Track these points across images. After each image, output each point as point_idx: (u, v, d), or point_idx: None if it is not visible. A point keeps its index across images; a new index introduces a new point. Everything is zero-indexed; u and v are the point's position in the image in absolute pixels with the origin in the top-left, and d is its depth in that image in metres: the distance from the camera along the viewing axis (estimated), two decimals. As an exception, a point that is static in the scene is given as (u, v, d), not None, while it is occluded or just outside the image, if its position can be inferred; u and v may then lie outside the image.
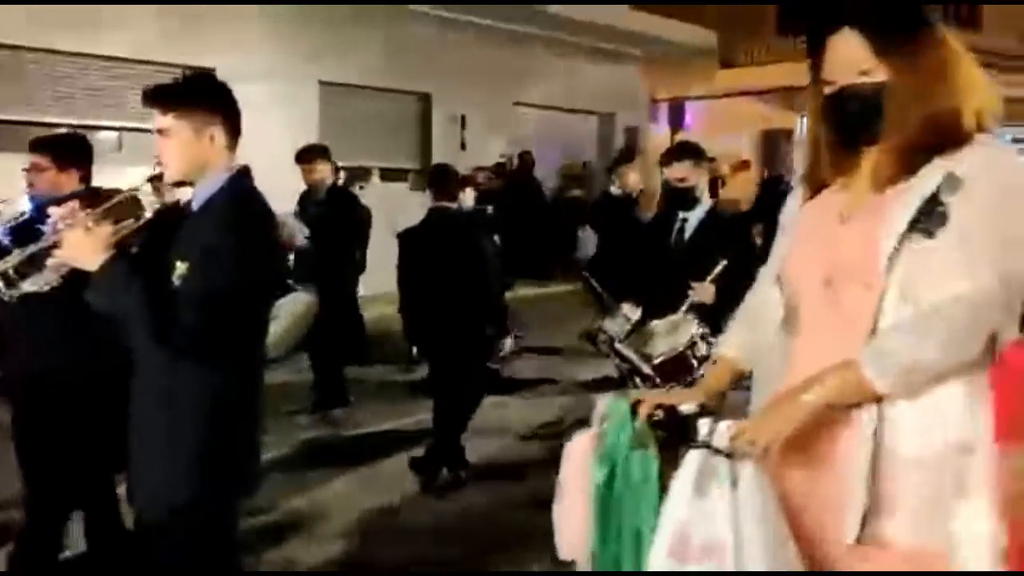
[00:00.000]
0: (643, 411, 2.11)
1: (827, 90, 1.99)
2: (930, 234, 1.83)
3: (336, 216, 7.05)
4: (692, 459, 1.87)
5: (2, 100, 9.73)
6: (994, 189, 1.85)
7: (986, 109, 1.95)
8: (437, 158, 14.12)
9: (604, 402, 2.20)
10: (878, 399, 1.87)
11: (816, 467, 1.96)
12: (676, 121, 18.79)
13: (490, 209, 10.04)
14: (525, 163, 15.09)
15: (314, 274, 6.65)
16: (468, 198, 7.81)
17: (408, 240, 5.87)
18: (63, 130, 10.24)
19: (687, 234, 4.68)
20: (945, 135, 1.88)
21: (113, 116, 10.69)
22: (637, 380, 4.15)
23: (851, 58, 1.93)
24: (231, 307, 2.58)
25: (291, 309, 6.14)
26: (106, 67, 10.54)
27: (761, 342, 2.18)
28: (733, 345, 2.29)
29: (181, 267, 2.60)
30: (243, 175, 2.92)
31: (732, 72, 23.35)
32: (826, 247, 1.99)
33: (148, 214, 2.83)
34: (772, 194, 12.02)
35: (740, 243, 4.61)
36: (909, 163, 1.90)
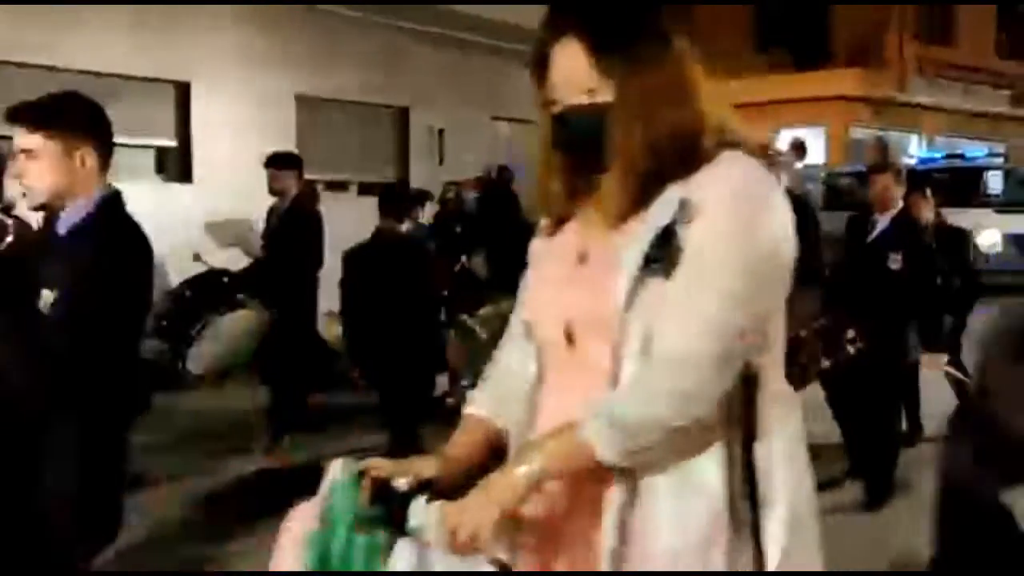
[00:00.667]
0: (365, 486, 1.72)
1: (553, 109, 1.75)
2: (667, 273, 1.60)
3: (291, 230, 6.68)
4: (400, 550, 1.61)
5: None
6: (728, 210, 1.60)
7: (728, 126, 1.72)
8: (415, 172, 14.12)
9: (336, 465, 1.77)
10: (625, 470, 1.61)
11: (571, 550, 1.69)
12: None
13: (458, 229, 9.95)
14: (504, 178, 15.06)
15: (267, 290, 6.39)
16: (426, 215, 7.68)
17: (352, 261, 5.63)
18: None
19: None
20: (678, 159, 1.65)
21: (87, 130, 10.57)
22: None
23: (574, 74, 1.69)
24: (102, 335, 2.48)
25: (230, 328, 5.89)
26: (79, 81, 10.43)
27: (512, 396, 1.86)
28: (483, 402, 1.94)
29: (49, 295, 2.51)
30: (114, 199, 2.78)
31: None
32: (563, 292, 1.76)
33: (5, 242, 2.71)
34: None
35: None
36: (640, 192, 1.66)
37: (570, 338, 1.71)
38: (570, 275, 1.76)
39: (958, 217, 15.86)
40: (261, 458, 6.46)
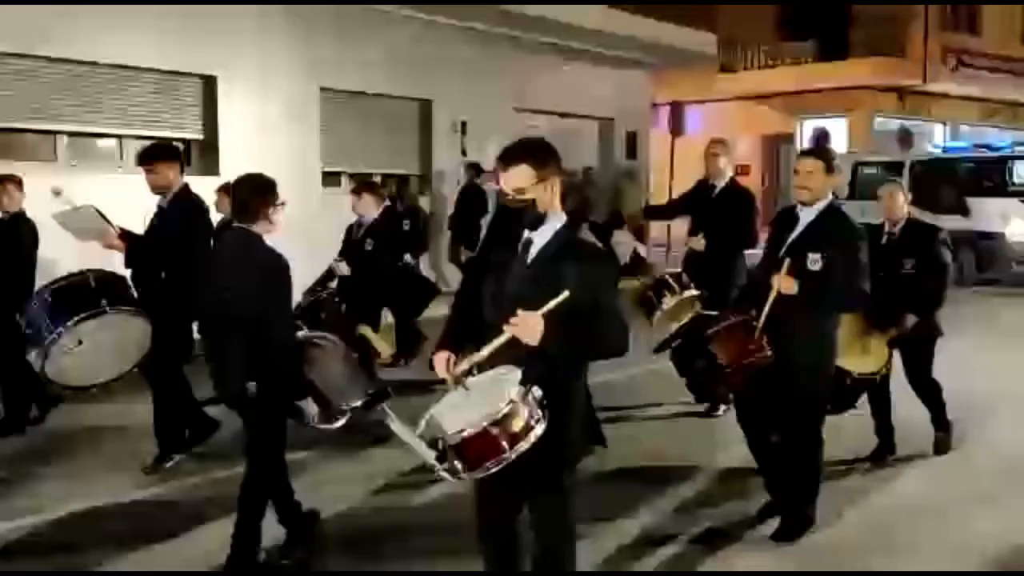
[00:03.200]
0: None
1: None
2: None
3: (171, 228, 5.70)
4: None
5: (2, 109, 9.74)
6: None
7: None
8: (438, 164, 14.20)
9: None
10: None
11: None
12: (676, 126, 18.78)
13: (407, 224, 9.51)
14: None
15: (144, 295, 5.62)
16: (368, 206, 7.08)
17: (208, 266, 4.62)
18: (64, 138, 10.40)
19: None
20: None
21: (114, 124, 10.70)
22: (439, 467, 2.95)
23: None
24: None
25: (97, 338, 5.16)
26: (106, 75, 10.55)
27: None
28: None
29: None
30: None
31: (731, 77, 23.42)
32: None
33: None
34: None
35: None
36: None
37: None
38: None
39: (985, 207, 15.98)
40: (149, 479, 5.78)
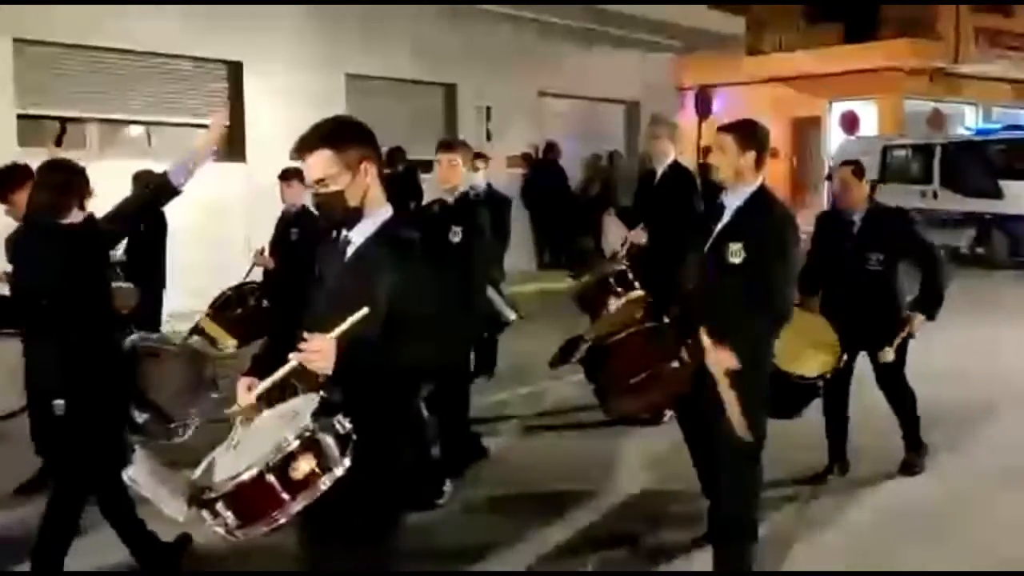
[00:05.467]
0: None
1: None
2: None
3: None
4: None
5: (35, 95, 9.83)
6: None
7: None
8: (463, 149, 14.15)
9: None
10: None
11: None
12: (703, 109, 18.63)
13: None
14: (550, 153, 15.09)
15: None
16: (297, 194, 6.51)
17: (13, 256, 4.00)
18: (92, 126, 10.48)
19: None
20: None
21: (142, 110, 10.77)
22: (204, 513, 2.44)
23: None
24: None
25: None
26: (134, 62, 10.62)
27: None
28: None
29: None
30: None
31: (759, 59, 23.20)
32: None
33: None
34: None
35: None
36: None
37: None
38: None
39: (1019, 189, 15.71)
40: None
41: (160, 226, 6.58)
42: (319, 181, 2.64)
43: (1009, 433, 6.21)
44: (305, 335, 2.44)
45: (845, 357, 4.79)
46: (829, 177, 16.43)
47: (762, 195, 3.91)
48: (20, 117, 9.69)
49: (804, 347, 4.55)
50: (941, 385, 6.03)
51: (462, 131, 14.16)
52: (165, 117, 10.89)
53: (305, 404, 2.49)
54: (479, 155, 7.52)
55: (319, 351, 2.41)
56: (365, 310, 2.41)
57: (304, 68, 11.85)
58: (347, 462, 2.37)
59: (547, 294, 10.69)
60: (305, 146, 2.67)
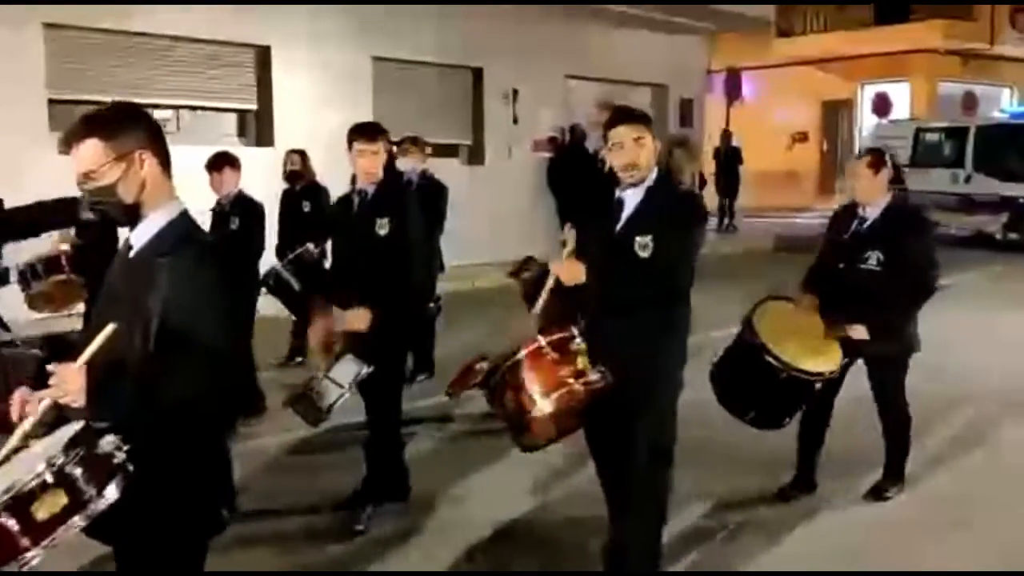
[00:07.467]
0: None
1: None
2: None
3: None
4: None
5: (66, 79, 9.91)
6: None
7: None
8: (489, 133, 14.14)
9: None
10: None
11: None
12: (732, 92, 18.47)
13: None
14: (576, 136, 15.02)
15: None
16: (230, 182, 6.15)
17: None
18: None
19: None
20: None
21: (167, 95, 10.82)
22: None
23: None
24: None
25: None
26: (162, 46, 10.66)
27: None
28: None
29: None
30: None
31: (789, 41, 22.93)
32: None
33: None
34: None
35: None
36: None
37: None
38: None
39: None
40: None
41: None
42: (86, 175, 2.29)
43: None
44: (51, 367, 2.12)
45: (845, 360, 4.43)
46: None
47: (666, 183, 3.67)
48: (51, 102, 9.77)
49: (805, 349, 4.30)
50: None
51: (488, 115, 14.14)
52: (194, 101, 10.94)
53: (64, 433, 2.11)
54: (414, 139, 7.32)
55: (67, 381, 2.09)
56: (110, 328, 2.12)
57: (331, 52, 11.85)
58: (110, 494, 2.04)
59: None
60: (71, 135, 2.31)
